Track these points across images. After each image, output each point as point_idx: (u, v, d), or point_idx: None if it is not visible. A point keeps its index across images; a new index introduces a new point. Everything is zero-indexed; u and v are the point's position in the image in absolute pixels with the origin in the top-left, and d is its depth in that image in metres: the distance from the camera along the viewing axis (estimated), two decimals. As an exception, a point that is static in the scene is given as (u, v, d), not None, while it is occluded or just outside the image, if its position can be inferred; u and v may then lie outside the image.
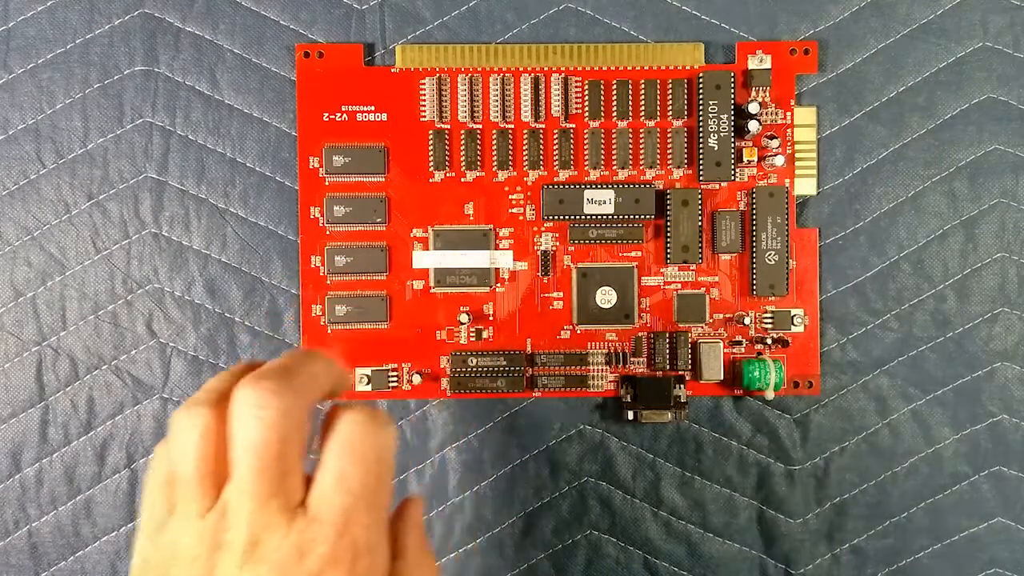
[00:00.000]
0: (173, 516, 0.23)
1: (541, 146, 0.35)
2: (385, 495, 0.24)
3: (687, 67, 0.35)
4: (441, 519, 0.36)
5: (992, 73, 0.36)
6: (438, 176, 0.35)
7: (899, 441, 0.36)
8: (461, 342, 0.35)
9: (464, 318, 0.34)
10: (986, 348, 0.36)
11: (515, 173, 0.35)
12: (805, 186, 0.35)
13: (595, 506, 0.36)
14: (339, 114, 0.35)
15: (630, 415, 0.34)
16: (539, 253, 0.35)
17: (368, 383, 0.34)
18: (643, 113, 0.35)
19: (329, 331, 0.35)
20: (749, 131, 0.34)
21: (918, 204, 0.36)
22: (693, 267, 0.35)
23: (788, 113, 0.35)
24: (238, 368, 0.25)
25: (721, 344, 0.35)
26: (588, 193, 0.34)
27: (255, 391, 0.22)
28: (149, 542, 0.23)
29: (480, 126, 0.35)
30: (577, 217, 0.34)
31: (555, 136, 0.35)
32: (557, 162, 0.35)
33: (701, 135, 0.34)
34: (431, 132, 0.35)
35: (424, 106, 0.35)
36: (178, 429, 0.23)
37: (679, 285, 0.35)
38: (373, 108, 0.35)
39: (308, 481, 0.23)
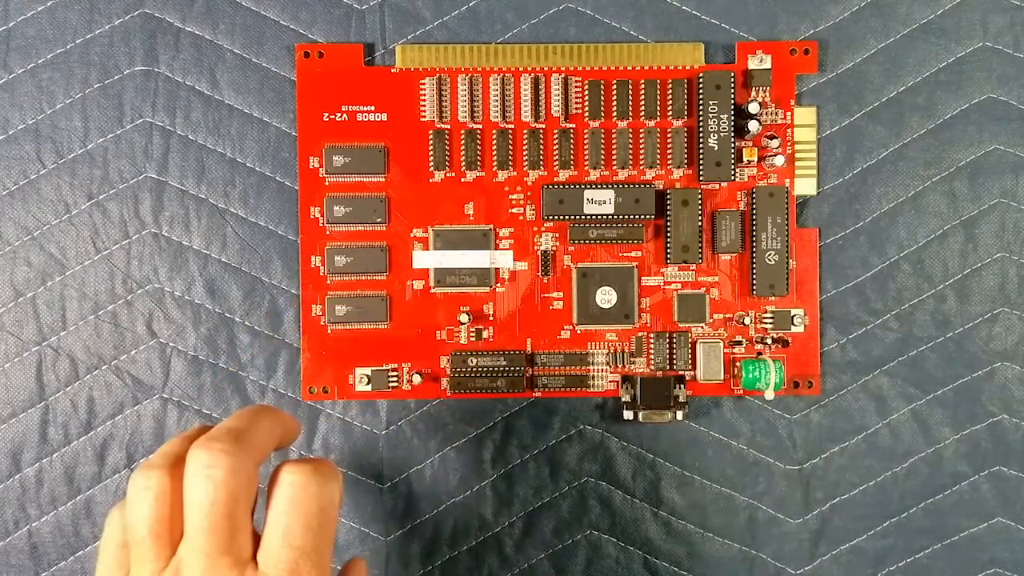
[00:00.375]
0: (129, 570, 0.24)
1: (541, 146, 0.35)
2: (328, 546, 0.25)
3: (687, 67, 0.35)
4: (440, 519, 0.36)
5: (992, 73, 0.36)
6: (438, 176, 0.35)
7: (899, 441, 0.36)
8: (461, 342, 0.35)
9: (464, 318, 0.34)
10: (986, 348, 0.36)
11: (515, 173, 0.35)
12: (805, 186, 0.35)
13: (595, 506, 0.36)
14: (339, 114, 0.35)
15: (630, 415, 0.34)
16: (539, 253, 0.35)
17: (368, 383, 0.34)
18: (643, 113, 0.35)
19: (329, 331, 0.35)
20: (749, 131, 0.34)
21: (918, 204, 0.36)
22: (693, 267, 0.35)
23: (788, 113, 0.35)
24: (191, 431, 0.26)
25: (721, 344, 0.35)
26: (588, 193, 0.34)
27: (207, 452, 0.23)
28: None
29: (480, 126, 0.35)
30: (577, 217, 0.34)
31: (555, 136, 0.35)
32: (557, 162, 0.35)
33: (701, 135, 0.34)
34: (431, 132, 0.35)
35: (424, 106, 0.35)
36: (133, 492, 0.24)
37: (679, 285, 0.35)
38: (373, 108, 0.35)
39: (256, 537, 0.24)
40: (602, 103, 0.35)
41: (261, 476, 0.25)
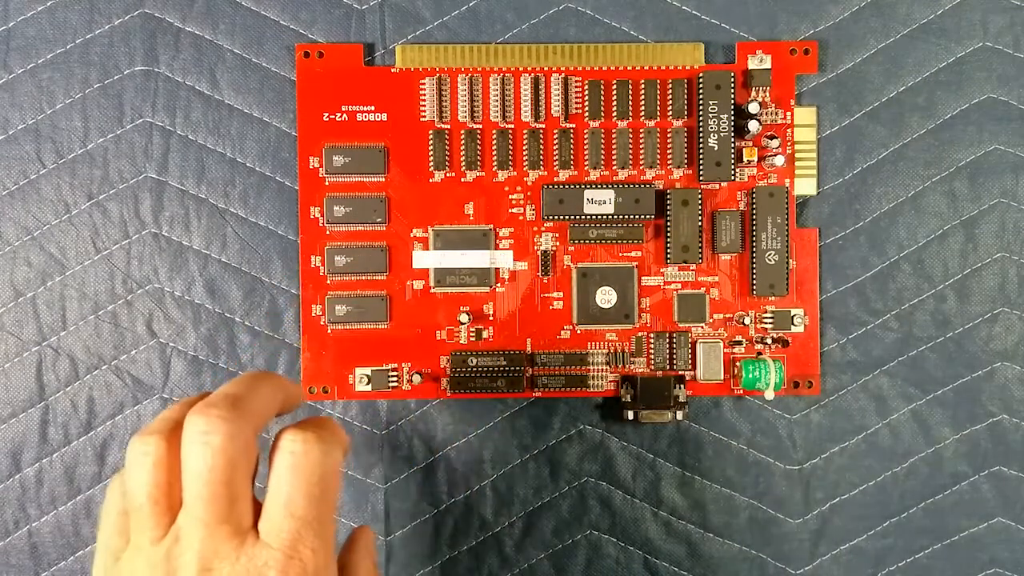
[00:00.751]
0: (128, 547, 0.24)
1: (541, 146, 0.35)
2: (330, 514, 0.24)
3: (687, 67, 0.35)
4: (440, 519, 0.36)
5: (992, 73, 0.36)
6: (438, 176, 0.35)
7: (899, 441, 0.36)
8: (461, 342, 0.35)
9: (464, 318, 0.34)
10: (986, 348, 0.36)
11: (515, 173, 0.35)
12: (805, 186, 0.35)
13: (595, 506, 0.36)
14: (339, 114, 0.35)
15: (630, 415, 0.34)
16: (539, 253, 0.35)
17: (368, 383, 0.34)
18: (643, 113, 0.35)
19: (329, 331, 0.35)
20: (749, 131, 0.34)
21: (918, 204, 0.36)
22: (693, 267, 0.35)
23: (788, 113, 0.35)
24: (191, 398, 0.25)
25: (721, 344, 0.35)
26: (588, 193, 0.34)
27: (204, 418, 0.23)
28: (105, 574, 0.24)
29: (480, 126, 0.35)
30: (577, 217, 0.34)
31: (555, 136, 0.35)
32: (557, 162, 0.35)
33: (701, 135, 0.34)
34: (431, 132, 0.35)
35: (424, 106, 0.35)
36: (132, 458, 0.23)
37: (679, 285, 0.35)
38: (373, 108, 0.35)
39: (258, 505, 0.24)
40: (602, 103, 0.35)
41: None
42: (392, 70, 0.35)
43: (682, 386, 0.34)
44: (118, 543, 0.24)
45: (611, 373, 0.35)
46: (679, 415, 0.34)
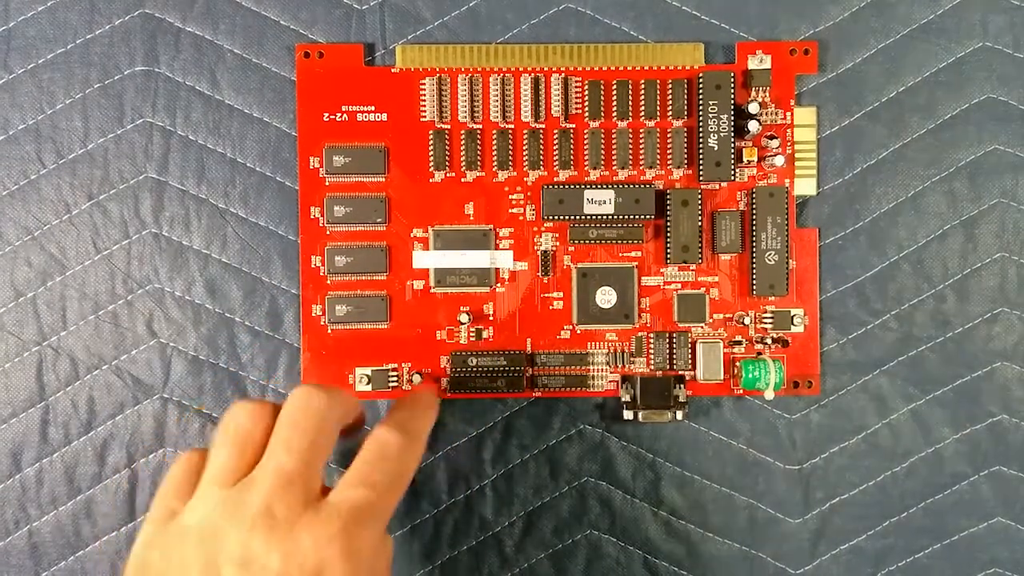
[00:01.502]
0: (194, 495, 0.27)
1: (541, 146, 0.35)
2: (397, 497, 0.28)
3: (687, 67, 0.35)
4: (440, 519, 0.36)
5: (992, 73, 0.36)
6: (438, 176, 0.35)
7: (899, 441, 0.36)
8: (461, 342, 0.35)
9: (464, 318, 0.35)
10: (986, 348, 0.36)
11: (515, 173, 0.35)
12: (805, 186, 0.35)
13: (595, 506, 0.36)
14: (339, 114, 0.35)
15: (630, 415, 0.34)
16: (539, 253, 0.35)
17: (368, 383, 0.34)
18: (643, 113, 0.35)
19: (329, 331, 0.35)
20: (749, 131, 0.34)
21: (918, 204, 0.36)
22: (693, 267, 0.35)
23: (788, 113, 0.35)
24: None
25: (721, 344, 0.35)
26: (588, 193, 0.34)
27: (307, 387, 0.28)
28: (156, 528, 0.27)
29: (480, 126, 0.35)
30: (577, 217, 0.34)
31: (555, 136, 0.35)
32: (557, 162, 0.35)
33: (701, 135, 0.34)
34: (431, 132, 0.35)
35: (424, 106, 0.35)
36: (229, 415, 0.28)
37: (679, 285, 0.35)
38: (373, 108, 0.35)
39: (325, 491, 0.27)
40: (602, 103, 0.35)
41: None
42: (392, 70, 0.35)
43: (682, 386, 0.34)
44: (175, 504, 0.27)
45: (611, 373, 0.35)
46: (679, 415, 0.34)
